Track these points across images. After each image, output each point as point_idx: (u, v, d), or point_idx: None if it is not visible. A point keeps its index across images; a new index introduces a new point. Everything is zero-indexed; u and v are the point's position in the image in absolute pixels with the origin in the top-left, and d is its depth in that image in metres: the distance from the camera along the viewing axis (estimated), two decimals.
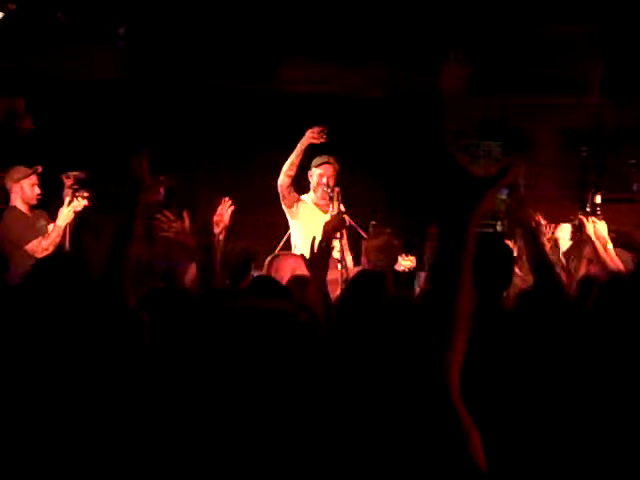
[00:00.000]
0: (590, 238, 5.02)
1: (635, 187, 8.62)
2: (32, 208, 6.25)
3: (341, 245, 5.46)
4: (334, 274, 5.48)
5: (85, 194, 5.97)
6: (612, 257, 4.96)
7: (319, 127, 6.35)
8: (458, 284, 1.71)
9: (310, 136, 6.33)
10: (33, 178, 6.21)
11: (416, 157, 8.34)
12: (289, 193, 6.37)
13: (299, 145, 6.36)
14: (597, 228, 5.06)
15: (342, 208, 6.17)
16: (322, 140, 6.35)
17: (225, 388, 1.76)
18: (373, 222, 6.31)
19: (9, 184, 6.23)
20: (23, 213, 6.21)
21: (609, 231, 7.05)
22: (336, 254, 5.54)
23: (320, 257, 4.07)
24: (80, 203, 5.99)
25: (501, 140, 8.97)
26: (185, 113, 7.95)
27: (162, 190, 5.33)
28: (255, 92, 7.99)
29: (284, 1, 7.78)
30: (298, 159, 6.35)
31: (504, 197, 3.45)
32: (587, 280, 4.00)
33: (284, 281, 4.40)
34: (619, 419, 2.61)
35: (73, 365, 2.37)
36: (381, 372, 2.04)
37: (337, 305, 3.68)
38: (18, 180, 6.20)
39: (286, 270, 4.83)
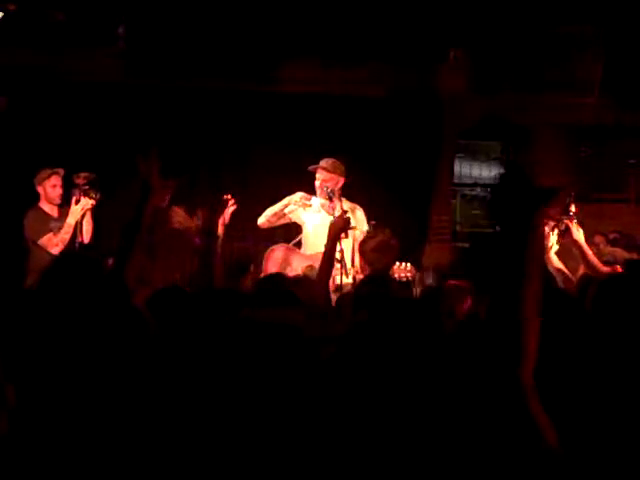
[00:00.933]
0: (577, 242, 5.05)
1: (634, 187, 8.64)
2: (61, 207, 6.45)
3: (341, 246, 5.45)
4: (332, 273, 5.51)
5: (92, 194, 6.08)
6: (595, 260, 5.02)
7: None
8: (525, 288, 1.74)
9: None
10: (53, 179, 6.44)
11: (416, 157, 8.35)
12: (276, 222, 6.46)
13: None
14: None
15: (356, 204, 6.28)
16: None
17: (226, 393, 1.77)
18: (373, 222, 6.31)
19: (36, 186, 6.48)
20: (42, 212, 6.44)
21: (611, 231, 7.05)
22: (336, 254, 5.54)
23: (326, 259, 4.10)
24: (88, 202, 6.14)
25: (501, 140, 9.00)
26: (185, 114, 7.95)
27: (169, 195, 5.36)
28: (255, 92, 7.99)
29: (284, 1, 7.78)
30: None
31: None
32: (587, 279, 4.00)
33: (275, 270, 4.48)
34: (618, 418, 2.61)
35: (76, 364, 2.38)
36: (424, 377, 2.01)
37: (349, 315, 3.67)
38: (41, 182, 6.45)
39: (276, 260, 4.91)
